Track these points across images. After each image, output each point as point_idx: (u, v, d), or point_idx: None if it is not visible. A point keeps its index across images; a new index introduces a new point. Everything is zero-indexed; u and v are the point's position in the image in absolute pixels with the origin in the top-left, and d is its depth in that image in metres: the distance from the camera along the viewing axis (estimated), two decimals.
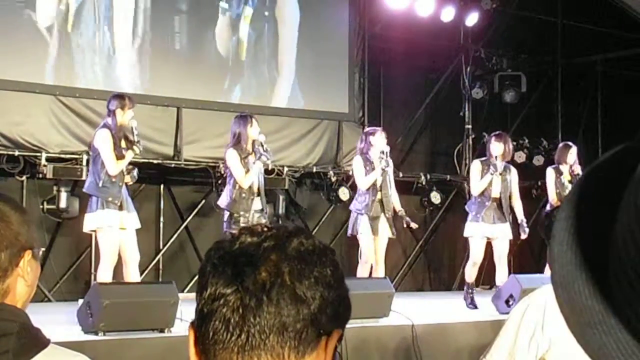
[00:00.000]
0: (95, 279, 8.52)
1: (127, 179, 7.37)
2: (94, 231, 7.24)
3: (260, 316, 1.11)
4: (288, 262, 1.14)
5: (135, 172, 7.46)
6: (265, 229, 1.18)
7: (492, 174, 8.56)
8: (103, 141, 7.16)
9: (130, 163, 7.37)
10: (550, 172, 9.28)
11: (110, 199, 7.09)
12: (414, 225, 9.00)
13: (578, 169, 9.10)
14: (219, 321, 1.13)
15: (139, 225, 7.38)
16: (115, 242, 7.09)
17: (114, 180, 7.13)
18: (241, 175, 7.72)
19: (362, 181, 8.42)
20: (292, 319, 1.12)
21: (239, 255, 1.14)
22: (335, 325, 1.17)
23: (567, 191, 8.89)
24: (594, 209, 0.65)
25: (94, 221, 7.14)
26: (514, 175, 8.80)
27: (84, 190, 7.50)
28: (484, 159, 8.85)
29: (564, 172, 9.16)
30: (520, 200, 8.90)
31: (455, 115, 12.38)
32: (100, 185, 7.15)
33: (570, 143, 9.61)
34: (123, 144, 7.24)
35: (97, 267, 8.72)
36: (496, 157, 8.60)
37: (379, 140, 8.46)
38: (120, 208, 7.12)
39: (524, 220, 8.86)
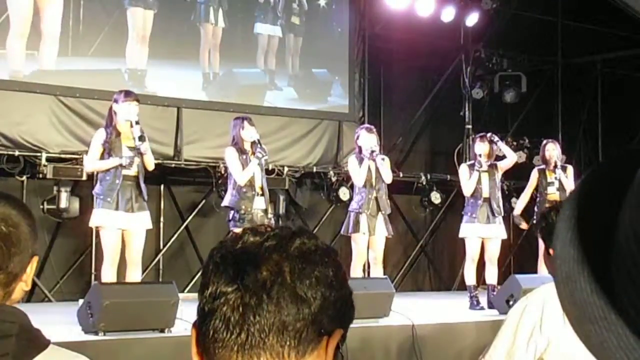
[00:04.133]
0: (95, 279, 8.53)
1: (129, 146, 7.12)
2: (97, 228, 7.26)
3: (260, 315, 1.11)
4: (289, 261, 1.14)
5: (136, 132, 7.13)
6: (269, 229, 1.18)
7: (477, 170, 8.89)
8: (94, 139, 7.20)
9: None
10: (533, 173, 9.52)
11: (102, 197, 7.09)
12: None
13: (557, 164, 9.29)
14: (219, 320, 1.12)
15: (148, 226, 7.30)
16: (112, 241, 7.02)
17: (107, 178, 7.11)
18: (238, 171, 7.79)
19: (355, 176, 8.47)
20: (292, 318, 1.12)
21: (240, 255, 1.14)
22: (337, 325, 1.17)
23: (548, 189, 9.08)
24: (596, 208, 0.66)
25: (92, 218, 7.18)
26: (500, 173, 9.16)
27: None
28: (470, 162, 9.15)
29: (547, 171, 9.30)
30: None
31: (455, 115, 12.38)
32: (98, 184, 7.22)
33: (549, 140, 9.70)
34: (126, 141, 7.17)
35: (97, 267, 8.76)
36: (480, 155, 8.92)
37: (364, 141, 8.48)
38: (117, 208, 7.03)
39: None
